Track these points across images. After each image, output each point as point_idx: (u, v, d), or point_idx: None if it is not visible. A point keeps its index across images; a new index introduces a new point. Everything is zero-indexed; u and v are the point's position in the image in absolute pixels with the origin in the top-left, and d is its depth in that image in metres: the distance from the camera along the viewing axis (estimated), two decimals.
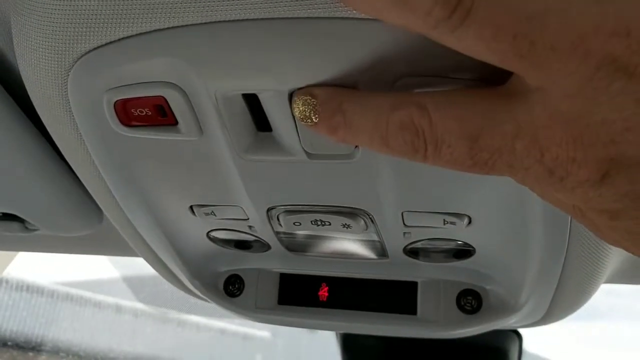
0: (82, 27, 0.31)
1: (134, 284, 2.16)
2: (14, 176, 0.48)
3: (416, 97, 0.25)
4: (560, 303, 0.48)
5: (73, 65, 0.33)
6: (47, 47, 0.33)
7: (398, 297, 0.49)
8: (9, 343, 1.87)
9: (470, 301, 0.47)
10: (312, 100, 0.29)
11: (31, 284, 2.00)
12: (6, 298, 1.94)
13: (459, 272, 0.47)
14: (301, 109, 0.29)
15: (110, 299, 2.13)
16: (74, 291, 2.09)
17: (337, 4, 0.27)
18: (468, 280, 0.47)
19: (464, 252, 0.44)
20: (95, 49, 0.32)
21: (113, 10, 0.30)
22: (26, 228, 0.56)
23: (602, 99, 0.20)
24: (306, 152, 0.34)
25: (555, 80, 0.21)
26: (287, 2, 0.27)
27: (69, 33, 0.32)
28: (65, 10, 0.31)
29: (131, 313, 2.15)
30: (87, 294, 2.11)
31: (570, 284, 0.44)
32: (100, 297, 2.13)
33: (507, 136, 0.23)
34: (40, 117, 0.40)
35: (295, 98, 0.29)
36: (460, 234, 0.41)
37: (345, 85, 0.29)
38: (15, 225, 0.55)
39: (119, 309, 2.15)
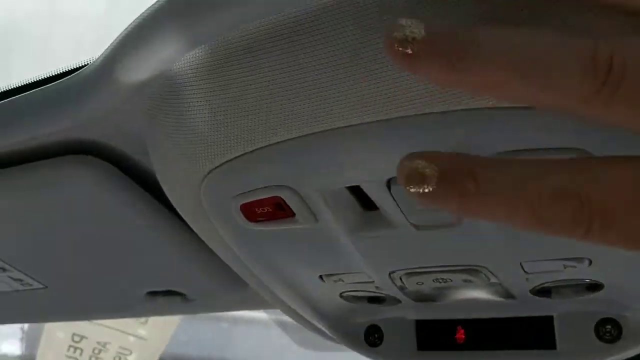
0: (207, 151, 0.37)
1: None
2: (173, 261, 0.55)
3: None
4: None
5: (203, 180, 0.39)
6: (181, 168, 0.39)
7: (535, 332, 0.49)
8: None
9: (610, 330, 0.46)
10: (430, 165, 0.23)
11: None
12: (195, 327, 2.12)
13: (593, 303, 0.46)
14: (411, 175, 0.23)
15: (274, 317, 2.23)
16: (246, 313, 2.22)
17: (422, 100, 0.30)
18: (604, 309, 0.46)
19: (594, 285, 0.43)
20: (219, 165, 0.37)
21: (232, 135, 0.35)
22: (186, 299, 0.64)
23: None
24: (413, 225, 0.36)
25: None
26: (375, 107, 0.30)
27: (197, 156, 0.37)
28: (193, 139, 0.36)
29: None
30: (256, 314, 2.23)
31: None
32: (264, 316, 2.24)
33: None
34: (180, 213, 0.46)
35: (405, 163, 0.23)
36: (584, 274, 0.40)
37: None
38: (177, 298, 0.63)
39: (284, 325, 2.25)
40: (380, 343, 0.55)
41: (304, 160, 0.34)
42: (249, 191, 0.37)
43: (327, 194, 0.36)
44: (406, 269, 0.42)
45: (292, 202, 0.37)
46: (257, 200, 0.38)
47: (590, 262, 0.38)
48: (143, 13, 0.33)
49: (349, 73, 0.30)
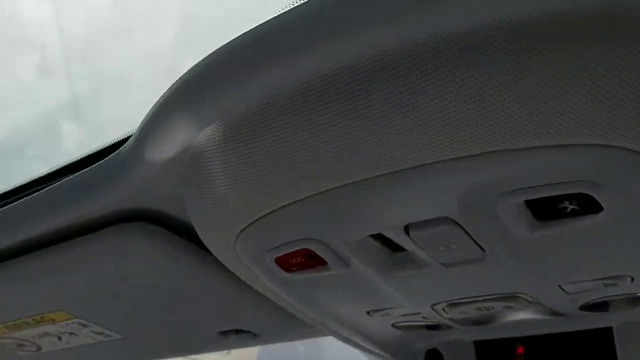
0: (235, 213, 0.39)
1: None
2: (236, 305, 0.58)
3: None
4: None
5: (237, 238, 0.41)
6: (215, 229, 0.41)
7: (596, 345, 0.48)
8: None
9: None
10: None
11: None
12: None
13: None
14: None
15: None
16: None
17: (430, 149, 0.30)
18: None
19: None
20: (249, 225, 0.39)
21: (255, 197, 0.37)
22: (255, 335, 0.67)
23: None
24: (441, 263, 0.37)
25: None
26: (385, 161, 0.31)
27: (227, 219, 0.39)
28: (221, 204, 0.39)
29: None
30: None
31: None
32: None
33: None
34: (223, 263, 0.48)
35: None
36: (628, 289, 0.39)
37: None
38: (246, 335, 0.67)
39: None
40: None
41: (324, 214, 0.36)
42: (280, 245, 0.39)
43: (352, 243, 0.37)
44: (446, 301, 0.43)
45: (321, 252, 0.38)
46: (289, 253, 0.40)
47: (633, 279, 0.37)
48: (158, 99, 0.36)
49: (357, 133, 0.31)
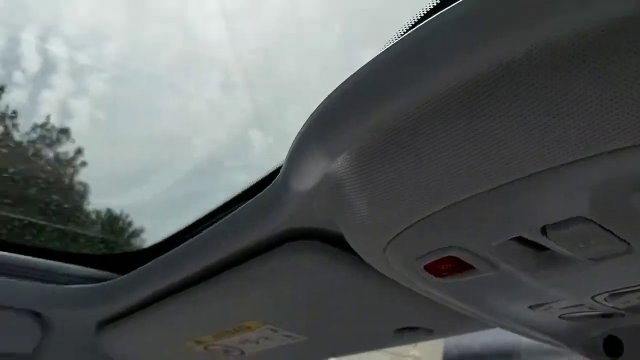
0: (378, 229, 0.42)
1: None
2: (409, 305, 0.61)
3: None
4: None
5: (385, 250, 0.44)
6: (365, 242, 0.45)
7: None
8: None
9: None
10: None
11: None
12: None
13: None
14: None
15: None
16: None
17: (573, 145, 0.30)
18: None
19: None
20: (395, 237, 0.42)
21: (394, 213, 0.39)
22: (429, 331, 0.69)
23: None
24: (589, 259, 0.36)
25: None
26: (524, 164, 0.31)
27: (372, 234, 0.43)
28: (363, 221, 0.42)
29: None
30: None
31: None
32: None
33: None
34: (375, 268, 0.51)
35: None
36: None
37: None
38: (421, 331, 0.69)
39: None
40: (622, 352, 0.53)
41: (463, 222, 0.37)
42: (426, 254, 0.41)
43: (494, 248, 0.38)
44: (606, 292, 0.41)
45: (467, 258, 0.40)
46: (437, 260, 0.42)
47: None
48: (297, 135, 0.40)
49: (499, 138, 0.31)
